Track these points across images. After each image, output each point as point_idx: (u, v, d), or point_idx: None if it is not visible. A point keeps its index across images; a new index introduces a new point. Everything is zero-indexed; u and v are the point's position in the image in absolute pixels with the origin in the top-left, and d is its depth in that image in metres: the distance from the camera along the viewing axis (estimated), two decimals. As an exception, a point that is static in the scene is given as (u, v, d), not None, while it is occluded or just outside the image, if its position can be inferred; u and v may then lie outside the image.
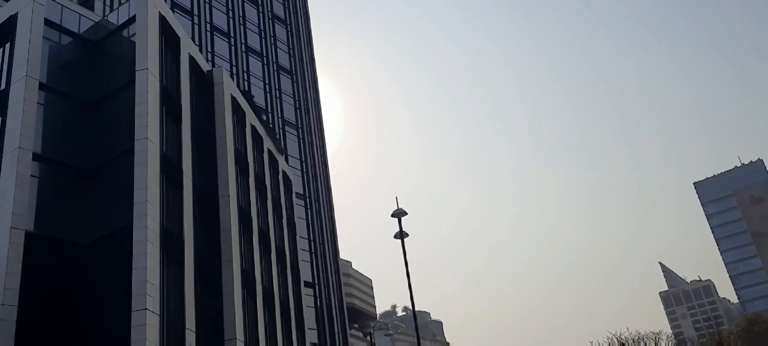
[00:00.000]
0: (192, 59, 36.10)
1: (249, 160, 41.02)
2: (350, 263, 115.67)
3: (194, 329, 28.58)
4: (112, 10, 39.02)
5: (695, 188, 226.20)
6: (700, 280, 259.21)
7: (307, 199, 63.16)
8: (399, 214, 25.00)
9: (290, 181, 53.53)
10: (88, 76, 31.46)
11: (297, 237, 52.06)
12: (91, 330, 25.23)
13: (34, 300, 24.29)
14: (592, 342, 48.68)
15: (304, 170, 65.40)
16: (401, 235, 25.06)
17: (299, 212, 57.01)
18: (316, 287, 58.53)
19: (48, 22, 30.57)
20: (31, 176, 27.18)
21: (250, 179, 40.43)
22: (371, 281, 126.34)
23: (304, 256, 55.80)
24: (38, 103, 28.44)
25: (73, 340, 24.89)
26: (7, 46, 30.33)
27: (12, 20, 30.55)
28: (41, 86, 28.83)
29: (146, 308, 24.39)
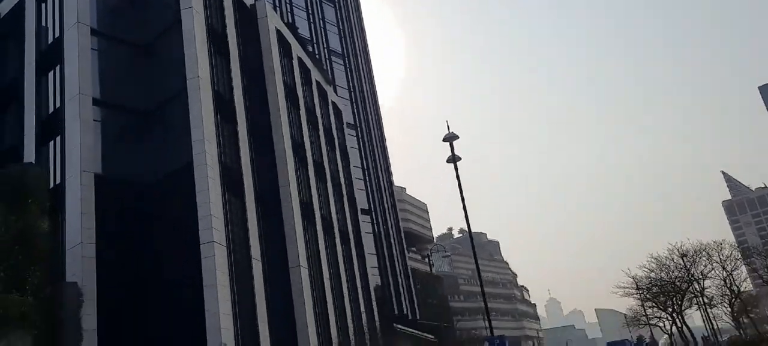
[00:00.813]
0: (235, -6, 35.92)
1: (298, 92, 41.19)
2: (404, 189, 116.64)
3: (259, 258, 29.64)
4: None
5: (760, 92, 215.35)
6: (765, 187, 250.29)
7: (358, 128, 63.36)
8: (451, 138, 24.79)
9: (340, 111, 53.66)
10: (137, 19, 31.79)
11: (351, 166, 52.61)
12: (164, 264, 26.48)
13: (109, 238, 25.55)
14: (651, 255, 48.29)
15: (353, 100, 65.35)
16: (454, 158, 24.90)
17: (351, 141, 57.38)
18: (373, 213, 59.45)
19: (93, -32, 30.78)
20: (94, 120, 28.11)
21: (300, 110, 40.71)
22: (426, 205, 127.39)
23: (358, 184, 56.49)
24: (92, 48, 29.07)
25: (148, 273, 26.24)
26: (57, -6, 30.85)
27: (59, -31, 30.91)
28: (93, 32, 29.36)
29: (213, 241, 25.35)
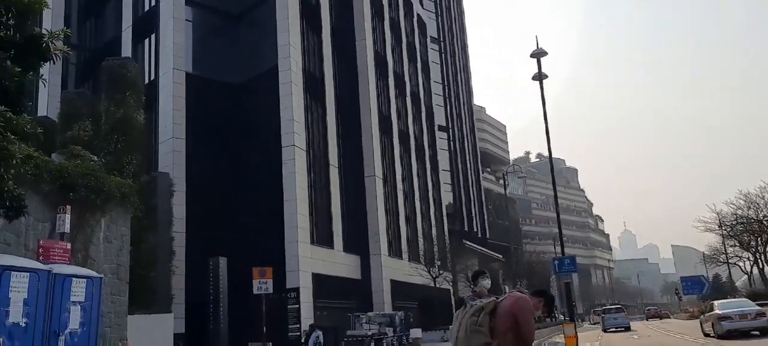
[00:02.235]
0: None
1: (384, 3, 40.77)
2: (484, 108, 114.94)
3: (337, 165, 30.58)
4: None
5: None
6: None
7: (442, 43, 62.31)
8: (538, 54, 23.88)
9: (424, 24, 52.82)
10: None
11: (431, 82, 52.23)
12: (248, 162, 27.88)
13: (198, 134, 27.03)
14: (740, 191, 45.09)
15: (439, 13, 63.97)
16: (540, 76, 24.04)
17: (433, 56, 56.65)
18: (450, 130, 59.30)
19: None
20: (186, 20, 29.15)
21: (385, 22, 40.43)
22: (505, 126, 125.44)
23: (438, 100, 56.19)
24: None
25: (233, 169, 27.73)
26: None
27: None
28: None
29: (294, 145, 26.35)
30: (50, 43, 6.53)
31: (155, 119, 27.46)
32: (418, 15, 50.60)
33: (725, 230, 39.12)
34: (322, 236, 28.22)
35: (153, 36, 29.93)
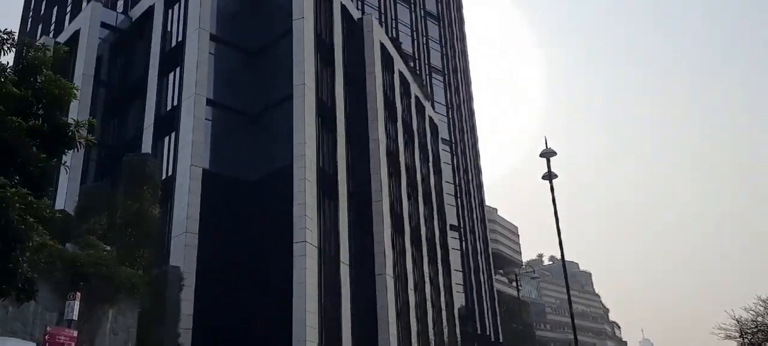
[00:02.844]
0: (343, 7, 37.33)
1: (397, 104, 41.99)
2: (496, 209, 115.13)
3: (348, 263, 30.46)
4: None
5: None
6: None
7: (453, 145, 63.41)
8: (548, 154, 24.24)
9: (436, 126, 54.04)
10: (251, 27, 33.82)
11: (443, 181, 52.77)
12: (258, 258, 27.87)
13: (210, 230, 27.25)
14: (759, 297, 43.50)
15: (450, 116, 65.53)
16: (550, 176, 24.26)
17: (445, 157, 57.54)
18: (462, 230, 59.19)
19: (216, -23, 33.10)
20: (206, 119, 30.14)
21: (398, 122, 41.46)
22: (517, 228, 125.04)
23: (449, 200, 56.51)
24: (209, 52, 31.23)
25: (243, 265, 27.70)
26: (182, 1, 33.39)
27: (186, -22, 33.47)
28: (212, 37, 31.56)
29: (306, 241, 26.44)
30: (76, 132, 6.86)
31: (170, 213, 27.81)
32: (430, 117, 51.90)
33: (746, 338, 37.86)
34: (330, 337, 27.70)
35: (173, 133, 30.84)
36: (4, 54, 8.30)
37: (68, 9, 50.60)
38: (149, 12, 36.03)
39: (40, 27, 54.91)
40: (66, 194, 28.96)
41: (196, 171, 28.17)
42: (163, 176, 28.63)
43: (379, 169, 35.29)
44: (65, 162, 7.44)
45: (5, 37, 8.41)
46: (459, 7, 77.79)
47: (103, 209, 21.10)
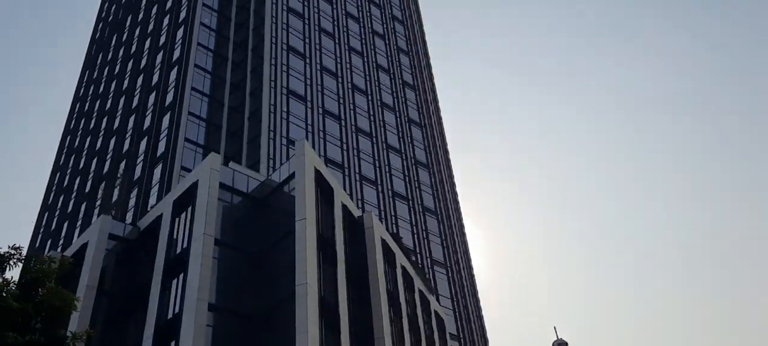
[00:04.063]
0: (344, 207, 38.52)
1: (401, 300, 41.52)
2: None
3: None
4: (274, 169, 43.34)
5: None
6: None
7: (462, 340, 61.60)
8: (560, 345, 23.57)
9: (443, 321, 52.91)
10: (254, 230, 34.66)
11: (454, 379, 50.47)
12: None
13: None
14: None
15: (457, 310, 64.42)
16: (563, 368, 23.24)
17: (454, 352, 55.59)
18: None
19: (223, 186, 34.62)
20: (207, 325, 29.66)
21: (403, 319, 40.67)
22: None
23: (462, 400, 53.56)
24: (213, 257, 31.63)
25: None
26: (189, 209, 34.55)
27: (193, 187, 34.99)
28: (216, 242, 32.18)
29: None
30: (72, 344, 6.79)
31: None
32: (435, 312, 51.03)
33: None
34: None
35: (173, 343, 30.11)
36: (10, 269, 8.52)
37: (79, 223, 52.17)
38: (157, 221, 37.09)
39: (49, 242, 56.19)
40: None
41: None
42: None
43: (386, 370, 33.98)
44: (60, 377, 7.25)
45: (12, 252, 8.68)
46: (456, 201, 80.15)
47: None
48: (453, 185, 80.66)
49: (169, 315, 31.86)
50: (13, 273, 8.53)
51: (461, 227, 79.19)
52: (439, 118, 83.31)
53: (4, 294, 6.70)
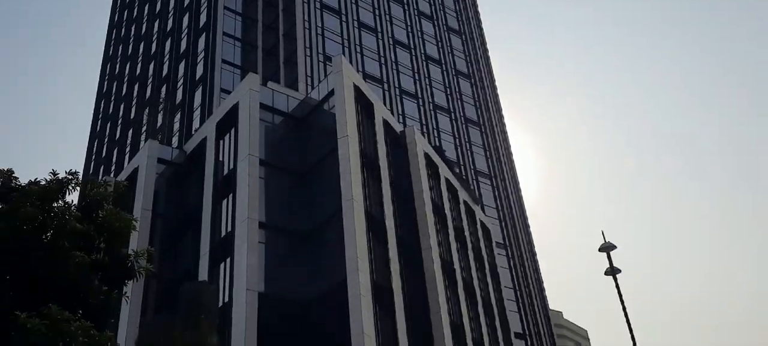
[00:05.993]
0: (385, 122, 38.26)
1: (446, 212, 41.74)
2: (561, 313, 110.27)
3: (410, 379, 29.24)
4: (313, 87, 43.15)
5: None
6: None
7: (508, 248, 62.07)
8: (607, 248, 23.38)
9: (489, 230, 53.23)
10: (297, 149, 34.87)
11: (502, 287, 51.21)
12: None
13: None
14: None
15: (502, 219, 64.62)
16: (612, 271, 23.28)
17: (501, 261, 56.17)
18: (527, 338, 56.57)
19: (263, 106, 34.66)
20: (259, 242, 30.47)
21: (449, 230, 41.02)
22: (587, 331, 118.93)
23: (511, 306, 54.50)
24: (260, 177, 32.09)
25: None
26: (232, 131, 34.86)
27: (234, 109, 35.16)
28: (261, 162, 32.54)
29: (365, 359, 25.60)
30: (135, 262, 6.94)
31: (229, 340, 27.56)
32: (480, 221, 51.27)
33: None
34: None
35: (229, 259, 31.16)
36: (69, 193, 8.68)
37: (127, 149, 53.50)
38: (202, 144, 37.65)
39: (102, 168, 58.04)
40: (127, 326, 29.22)
41: (252, 295, 28.14)
42: (220, 303, 28.67)
43: (435, 280, 34.56)
44: (126, 293, 7.45)
45: (70, 177, 8.81)
46: (499, 110, 78.85)
47: (162, 343, 21.08)
48: (496, 95, 79.11)
49: (222, 234, 32.84)
50: (73, 197, 8.71)
51: (505, 136, 78.20)
52: (479, 22, 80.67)
53: (68, 217, 6.87)
